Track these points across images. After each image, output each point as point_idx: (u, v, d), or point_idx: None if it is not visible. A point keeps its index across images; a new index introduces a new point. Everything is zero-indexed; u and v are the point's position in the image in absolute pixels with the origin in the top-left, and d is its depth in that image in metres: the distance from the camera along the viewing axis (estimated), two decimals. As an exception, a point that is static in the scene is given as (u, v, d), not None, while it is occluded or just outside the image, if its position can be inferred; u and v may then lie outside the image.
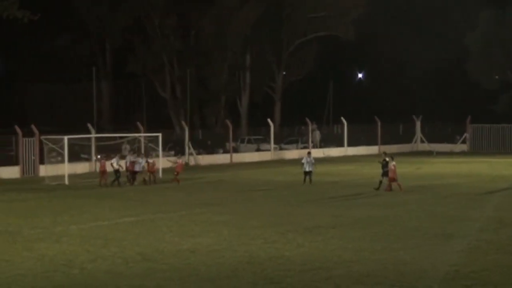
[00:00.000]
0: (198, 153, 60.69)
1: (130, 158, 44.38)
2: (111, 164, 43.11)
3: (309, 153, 44.14)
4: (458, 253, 21.56)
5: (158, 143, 49.20)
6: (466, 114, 75.42)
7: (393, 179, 37.79)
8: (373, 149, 73.05)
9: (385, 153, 41.49)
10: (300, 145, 72.08)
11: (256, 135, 71.91)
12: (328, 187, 40.98)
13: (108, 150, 51.90)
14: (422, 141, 78.22)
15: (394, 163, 37.82)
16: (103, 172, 43.43)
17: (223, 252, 22.17)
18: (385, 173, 38.35)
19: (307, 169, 42.12)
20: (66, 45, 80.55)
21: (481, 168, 49.37)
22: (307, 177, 42.13)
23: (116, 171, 42.88)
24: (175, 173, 43.93)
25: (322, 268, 19.75)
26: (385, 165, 38.64)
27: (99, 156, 47.53)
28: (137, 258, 21.55)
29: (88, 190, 41.65)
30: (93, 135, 52.86)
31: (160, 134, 49.33)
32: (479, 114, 76.59)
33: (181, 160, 46.00)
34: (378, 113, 76.11)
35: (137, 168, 43.66)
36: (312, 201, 34.81)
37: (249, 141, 71.08)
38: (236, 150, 66.08)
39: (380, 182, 38.16)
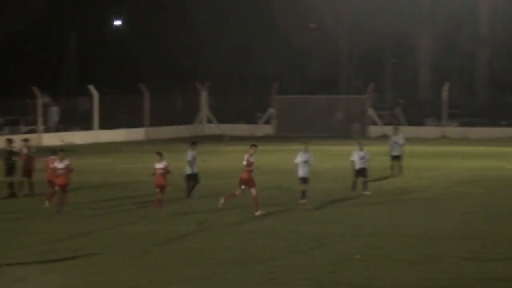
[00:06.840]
0: None
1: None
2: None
3: (359, 143, 33.67)
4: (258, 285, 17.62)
5: None
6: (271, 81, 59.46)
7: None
8: (137, 133, 56.97)
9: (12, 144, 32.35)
10: (23, 128, 54.59)
11: None
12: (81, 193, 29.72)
13: None
14: (209, 121, 62.04)
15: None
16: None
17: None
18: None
19: (359, 166, 31.43)
20: None
21: (290, 160, 34.21)
22: (361, 179, 31.62)
23: None
24: None
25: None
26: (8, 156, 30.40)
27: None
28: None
29: None
30: None
31: None
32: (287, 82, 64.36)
33: None
34: (146, 80, 59.10)
35: None
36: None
37: None
38: None
39: None
